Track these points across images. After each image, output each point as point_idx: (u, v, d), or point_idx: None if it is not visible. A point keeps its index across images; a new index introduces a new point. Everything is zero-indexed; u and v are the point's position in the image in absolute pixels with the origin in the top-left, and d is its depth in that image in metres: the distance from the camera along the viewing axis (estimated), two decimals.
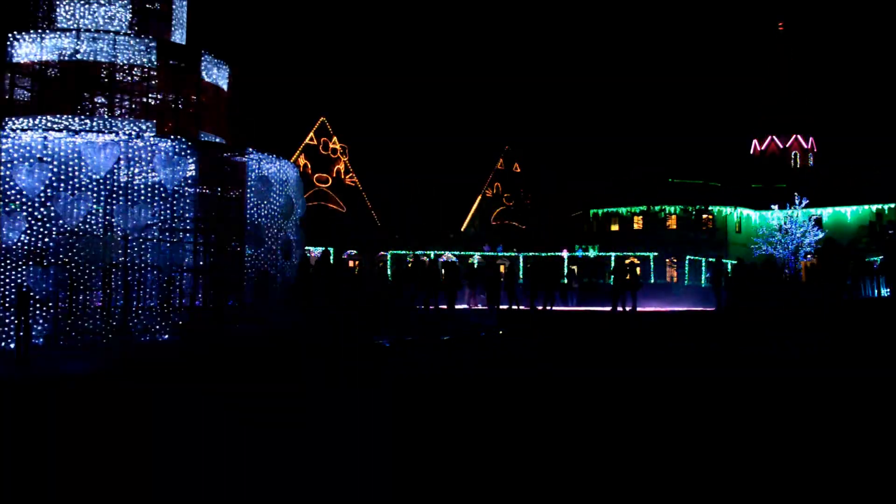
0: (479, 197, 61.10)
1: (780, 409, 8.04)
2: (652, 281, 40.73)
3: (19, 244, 14.08)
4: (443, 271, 24.73)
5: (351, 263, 40.00)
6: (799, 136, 73.66)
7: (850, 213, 63.83)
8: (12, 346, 13.51)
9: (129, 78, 16.70)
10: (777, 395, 8.97)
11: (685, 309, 26.89)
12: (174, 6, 18.53)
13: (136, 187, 14.67)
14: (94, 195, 14.35)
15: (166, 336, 14.57)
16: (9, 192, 14.14)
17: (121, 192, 14.51)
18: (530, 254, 50.58)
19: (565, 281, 34.99)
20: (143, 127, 16.64)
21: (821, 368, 11.47)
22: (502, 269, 32.57)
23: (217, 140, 17.97)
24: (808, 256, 59.81)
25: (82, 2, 17.31)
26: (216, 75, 18.44)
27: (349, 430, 6.82)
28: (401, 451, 6.02)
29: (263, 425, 7.02)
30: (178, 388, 8.79)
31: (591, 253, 52.28)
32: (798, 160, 73.98)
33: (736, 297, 25.85)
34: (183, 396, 8.36)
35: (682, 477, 5.47)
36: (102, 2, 17.37)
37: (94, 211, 14.33)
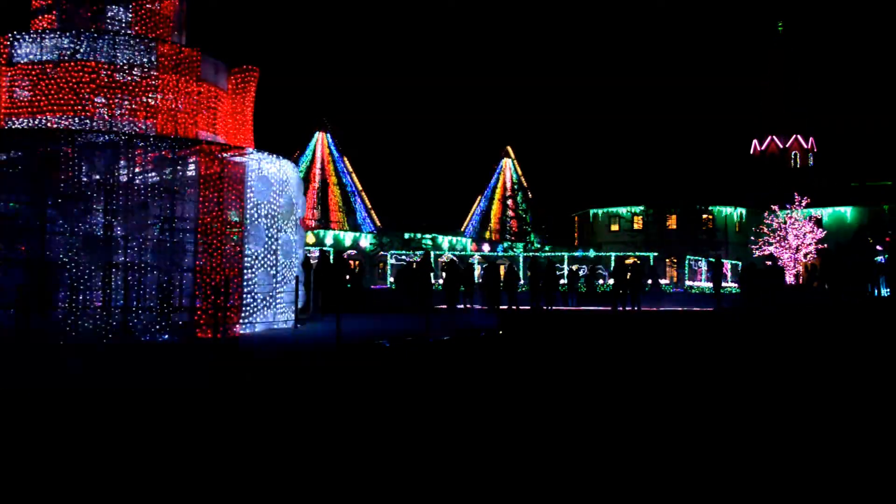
0: (480, 197, 60.98)
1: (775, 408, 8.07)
2: (651, 281, 40.75)
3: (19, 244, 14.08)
4: (443, 273, 24.81)
5: (352, 263, 40.01)
6: (799, 136, 73.66)
7: (849, 213, 63.82)
8: None
9: (129, 78, 16.68)
10: (774, 394, 8.99)
11: (685, 309, 26.90)
12: (174, 6, 18.52)
13: (136, 187, 14.66)
14: (95, 195, 14.35)
15: (166, 336, 14.56)
16: None
17: (121, 192, 14.50)
18: (530, 254, 50.60)
19: (564, 281, 35.06)
20: (143, 127, 16.63)
21: (819, 368, 11.50)
22: (502, 269, 32.58)
23: (217, 140, 17.97)
24: (808, 256, 59.85)
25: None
26: (216, 75, 18.44)
27: (346, 429, 6.84)
28: (397, 451, 6.04)
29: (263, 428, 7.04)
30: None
31: (591, 253, 52.28)
32: (798, 160, 73.97)
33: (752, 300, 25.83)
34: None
35: (676, 467, 5.49)
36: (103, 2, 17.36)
37: (94, 211, 14.32)
